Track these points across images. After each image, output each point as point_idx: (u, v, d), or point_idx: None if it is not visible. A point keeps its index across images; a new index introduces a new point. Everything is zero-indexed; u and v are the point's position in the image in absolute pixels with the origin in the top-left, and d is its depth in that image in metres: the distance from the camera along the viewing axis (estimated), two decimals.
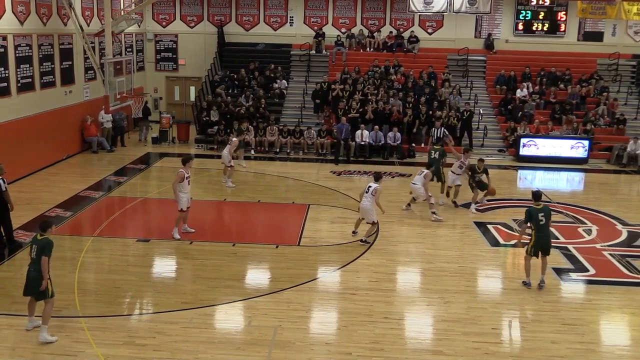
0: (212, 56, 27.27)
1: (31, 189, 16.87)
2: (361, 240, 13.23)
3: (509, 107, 24.33)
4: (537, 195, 11.36)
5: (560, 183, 20.46)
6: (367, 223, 13.34)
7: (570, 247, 13.32)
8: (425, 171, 15.22)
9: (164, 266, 12.24)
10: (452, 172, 16.15)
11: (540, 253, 11.12)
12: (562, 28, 27.24)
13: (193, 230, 13.42)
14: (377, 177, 13.52)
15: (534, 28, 27.38)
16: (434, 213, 15.00)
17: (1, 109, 16.95)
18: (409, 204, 15.77)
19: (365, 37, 27.47)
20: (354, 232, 13.67)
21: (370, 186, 13.25)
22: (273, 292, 10.76)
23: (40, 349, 8.66)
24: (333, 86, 24.26)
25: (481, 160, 16.35)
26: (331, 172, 19.91)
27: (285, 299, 10.47)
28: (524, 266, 11.26)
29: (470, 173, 16.04)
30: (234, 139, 18.28)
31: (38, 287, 8.69)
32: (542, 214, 10.98)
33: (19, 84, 17.93)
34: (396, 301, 10.63)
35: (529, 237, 11.33)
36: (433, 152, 17.02)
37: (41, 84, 19.16)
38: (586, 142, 22.17)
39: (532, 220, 11.03)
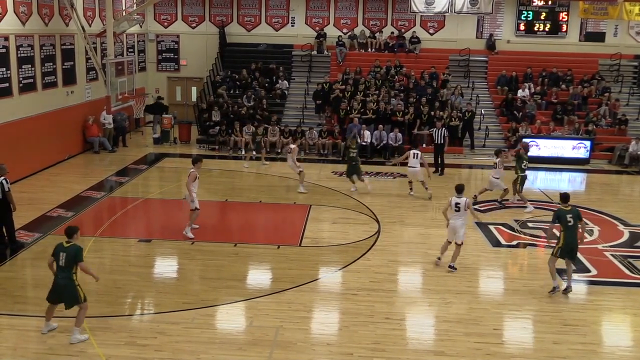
0: (214, 57, 27.31)
1: (33, 189, 16.89)
2: (450, 267, 11.86)
3: (513, 110, 24.28)
4: (565, 197, 11.16)
5: (561, 184, 20.43)
6: (457, 244, 11.97)
7: None
8: (420, 153, 16.64)
9: (166, 266, 12.25)
10: (494, 177, 16.20)
11: (566, 256, 10.92)
12: (564, 28, 27.23)
13: (197, 226, 13.51)
14: (460, 189, 11.86)
15: (535, 28, 27.38)
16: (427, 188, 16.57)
17: (3, 110, 16.97)
18: (411, 189, 16.99)
19: (366, 37, 27.47)
20: (438, 259, 12.18)
21: (458, 202, 11.74)
22: (274, 292, 10.76)
23: (42, 349, 8.67)
24: (335, 86, 24.28)
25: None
26: (332, 172, 19.91)
27: (286, 299, 10.47)
28: (550, 269, 10.97)
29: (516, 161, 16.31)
30: (292, 145, 17.78)
31: (71, 295, 8.68)
32: (571, 215, 10.85)
33: (21, 85, 17.95)
34: (397, 302, 10.63)
35: (556, 239, 11.20)
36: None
37: (43, 84, 19.18)
38: (588, 143, 22.15)
39: (560, 221, 10.89)
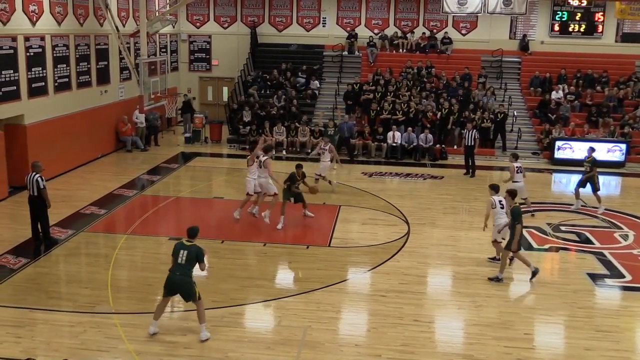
0: (245, 57, 27.45)
1: (67, 186, 17.18)
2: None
3: (547, 112, 23.94)
4: (514, 193, 11.58)
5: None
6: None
7: (606, 252, 13.05)
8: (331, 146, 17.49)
9: (196, 265, 12.32)
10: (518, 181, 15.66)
11: (519, 249, 11.51)
12: (600, 29, 26.74)
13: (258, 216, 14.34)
14: (495, 188, 12.10)
15: (570, 29, 26.94)
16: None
17: (39, 108, 17.29)
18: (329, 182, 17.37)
19: (398, 38, 27.35)
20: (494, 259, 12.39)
21: (500, 199, 11.89)
22: (303, 292, 10.77)
23: (74, 344, 8.81)
24: (365, 87, 24.23)
25: None
26: (362, 173, 19.87)
27: (315, 299, 10.47)
28: (522, 260, 11.50)
29: None
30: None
31: (189, 291, 8.92)
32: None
33: (56, 84, 18.27)
34: (426, 304, 10.56)
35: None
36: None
37: (77, 83, 19.50)
38: (623, 146, 21.72)
39: (520, 218, 11.25)
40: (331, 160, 17.52)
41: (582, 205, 16.44)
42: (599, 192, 16.27)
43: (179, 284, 8.92)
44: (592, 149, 17.00)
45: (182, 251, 8.94)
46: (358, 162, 21.45)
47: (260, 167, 14.10)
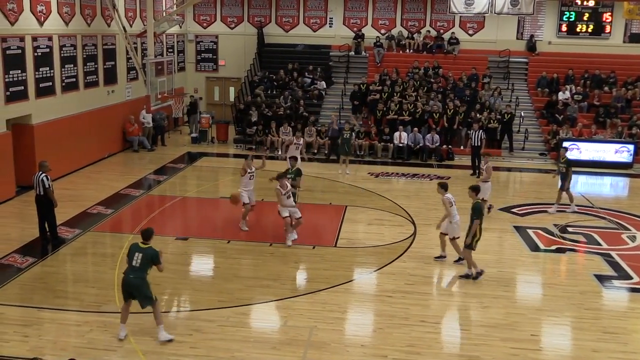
0: (252, 57, 27.48)
1: (74, 186, 17.24)
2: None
3: (554, 113, 23.86)
4: (476, 189, 11.74)
5: (603, 188, 20.02)
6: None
7: (613, 253, 12.99)
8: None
9: (202, 264, 12.38)
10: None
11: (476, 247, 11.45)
12: (608, 29, 26.63)
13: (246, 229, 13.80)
14: (445, 186, 12.33)
15: (578, 29, 26.83)
16: None
17: (46, 108, 17.35)
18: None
19: (404, 38, 27.32)
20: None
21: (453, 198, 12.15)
22: (309, 292, 10.77)
23: (81, 343, 8.83)
24: (372, 87, 24.22)
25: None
26: (369, 173, 19.86)
27: (321, 299, 10.47)
28: (469, 261, 11.42)
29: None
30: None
31: (144, 293, 8.82)
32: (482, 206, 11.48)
33: (64, 84, 18.33)
34: (433, 305, 10.54)
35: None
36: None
37: (85, 83, 19.56)
38: (631, 147, 21.61)
39: (482, 215, 11.28)
40: (301, 154, 17.60)
41: (590, 207, 16.37)
42: (570, 191, 16.05)
43: (133, 286, 8.79)
44: (565, 149, 17.00)
45: (137, 254, 8.82)
46: (364, 163, 21.44)
47: (251, 179, 13.85)
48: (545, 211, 15.98)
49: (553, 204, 16.06)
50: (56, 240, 12.77)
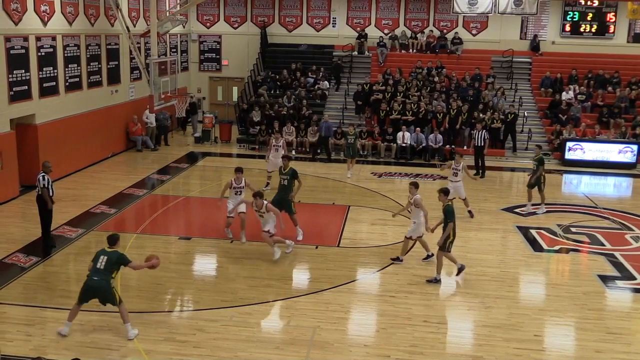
0: (255, 57, 27.50)
1: (77, 185, 17.26)
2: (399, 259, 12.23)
3: (557, 113, 23.81)
4: (446, 191, 11.66)
5: (607, 188, 19.97)
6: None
7: (617, 254, 12.97)
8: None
9: (205, 264, 12.39)
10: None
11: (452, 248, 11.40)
12: (612, 29, 26.59)
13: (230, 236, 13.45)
14: (417, 185, 12.28)
15: (581, 29, 26.78)
16: None
17: (50, 108, 17.38)
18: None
19: (407, 38, 27.30)
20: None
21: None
22: (312, 292, 10.77)
23: (85, 342, 8.85)
24: (375, 87, 24.21)
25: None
26: (372, 173, 19.85)
27: (324, 299, 10.47)
28: (440, 263, 11.33)
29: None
30: None
31: (107, 295, 8.87)
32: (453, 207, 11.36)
33: (67, 83, 18.36)
34: (436, 305, 10.53)
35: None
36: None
37: (88, 83, 19.58)
38: (635, 147, 21.57)
39: (454, 217, 11.19)
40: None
41: (593, 207, 16.34)
42: (530, 190, 15.96)
43: (97, 288, 8.83)
44: (539, 147, 16.99)
45: (102, 257, 8.92)
46: (368, 163, 21.43)
47: (237, 195, 13.25)
48: (548, 212, 15.94)
49: (539, 205, 15.93)
50: (46, 242, 12.53)
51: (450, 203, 11.45)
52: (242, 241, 13.15)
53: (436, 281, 11.28)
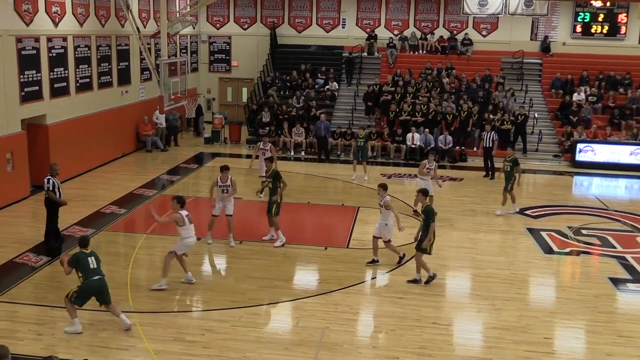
0: (265, 58, 27.53)
1: (88, 186, 17.34)
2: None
3: (568, 114, 23.69)
4: (425, 192, 11.55)
5: (618, 190, 19.85)
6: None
7: (628, 256, 12.88)
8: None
9: (214, 265, 12.40)
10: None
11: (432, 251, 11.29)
12: (623, 30, 26.41)
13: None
14: (385, 187, 12.24)
15: (592, 30, 26.63)
16: None
17: (61, 108, 17.47)
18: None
19: (417, 39, 27.24)
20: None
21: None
22: (321, 293, 10.76)
23: (94, 341, 8.88)
24: (384, 88, 24.18)
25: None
26: (381, 174, 19.81)
27: (333, 300, 10.46)
28: (422, 265, 11.18)
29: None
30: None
31: (107, 292, 9.22)
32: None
33: (78, 84, 18.45)
34: (445, 306, 10.50)
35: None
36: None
37: (99, 84, 19.68)
38: None
39: (434, 218, 11.08)
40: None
41: (604, 209, 16.24)
42: (513, 192, 15.73)
43: (103, 285, 9.10)
44: (512, 149, 16.85)
45: (89, 258, 9.11)
46: (377, 164, 21.40)
47: (224, 193, 13.08)
48: (558, 214, 15.87)
49: (504, 209, 15.75)
50: (47, 243, 12.56)
51: (429, 204, 11.34)
52: (230, 245, 12.96)
53: (416, 282, 11.17)
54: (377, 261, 12.09)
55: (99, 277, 9.03)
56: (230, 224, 13.07)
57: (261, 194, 15.42)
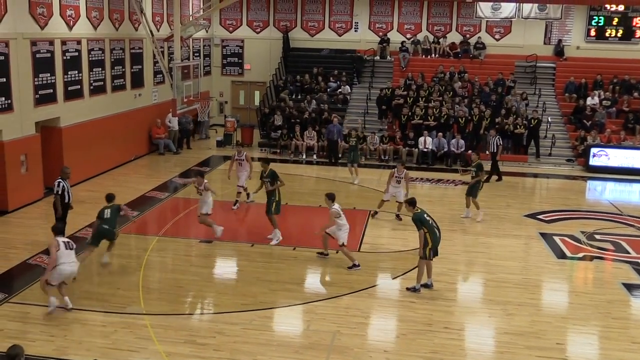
0: (277, 61, 27.58)
1: (101, 188, 17.35)
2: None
3: (582, 119, 23.53)
4: (412, 202, 11.23)
5: (632, 195, 19.68)
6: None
7: None
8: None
9: (226, 267, 12.44)
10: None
11: (435, 255, 11.07)
12: (638, 34, 26.19)
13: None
14: (332, 197, 12.20)
15: (607, 34, 26.43)
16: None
17: (74, 111, 17.58)
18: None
19: (430, 43, 27.19)
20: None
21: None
22: (332, 297, 10.74)
23: (106, 343, 8.91)
24: (397, 92, 24.14)
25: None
26: None
27: (344, 304, 10.44)
28: (421, 272, 10.96)
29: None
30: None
31: (113, 234, 11.70)
32: (425, 214, 11.03)
33: (92, 87, 18.57)
34: (457, 311, 10.44)
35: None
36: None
37: (112, 87, 19.79)
38: None
39: (424, 224, 10.83)
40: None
41: (618, 214, 16.11)
42: (477, 199, 15.55)
43: (108, 230, 11.39)
44: (477, 153, 16.60)
45: (106, 210, 11.46)
46: (389, 167, 21.32)
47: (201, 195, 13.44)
48: (571, 218, 15.77)
49: (468, 214, 15.62)
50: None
51: (417, 211, 11.02)
52: (216, 235, 13.30)
53: (415, 290, 10.95)
54: (327, 255, 12.43)
55: (107, 226, 11.30)
56: (207, 222, 13.42)
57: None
